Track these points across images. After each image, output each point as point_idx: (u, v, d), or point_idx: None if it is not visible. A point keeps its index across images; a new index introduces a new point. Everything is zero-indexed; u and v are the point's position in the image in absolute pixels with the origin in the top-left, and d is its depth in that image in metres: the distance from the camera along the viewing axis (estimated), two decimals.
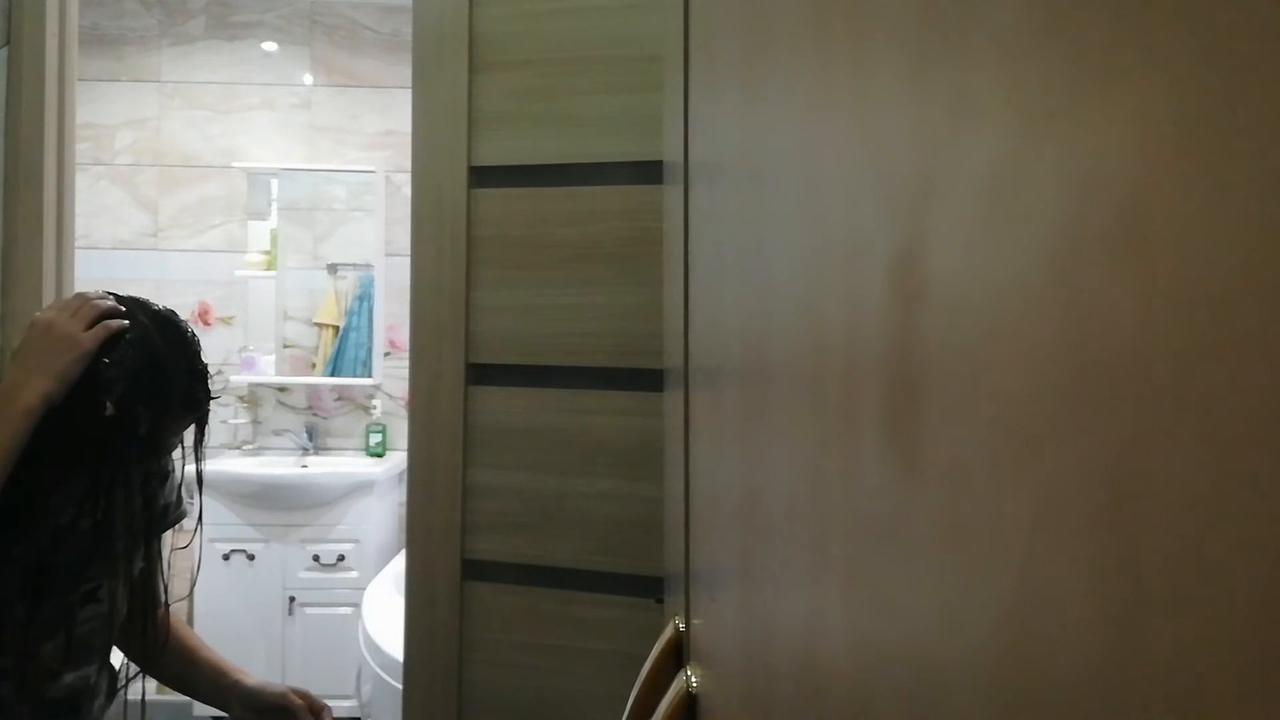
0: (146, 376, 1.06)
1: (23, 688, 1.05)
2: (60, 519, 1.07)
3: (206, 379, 1.14)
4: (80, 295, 1.08)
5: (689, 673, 0.55)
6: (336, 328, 3.55)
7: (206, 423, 1.16)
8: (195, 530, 1.20)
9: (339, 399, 3.58)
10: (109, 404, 1.03)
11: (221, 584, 3.05)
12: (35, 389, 0.98)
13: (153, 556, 1.20)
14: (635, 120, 1.22)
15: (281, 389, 3.57)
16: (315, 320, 3.57)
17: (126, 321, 1.07)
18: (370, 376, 3.49)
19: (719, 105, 0.50)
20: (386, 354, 3.54)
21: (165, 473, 1.20)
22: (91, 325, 1.04)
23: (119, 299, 1.11)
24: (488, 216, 1.27)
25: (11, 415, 0.97)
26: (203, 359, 1.14)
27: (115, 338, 1.05)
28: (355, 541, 3.14)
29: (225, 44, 3.58)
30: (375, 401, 3.52)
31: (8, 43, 1.60)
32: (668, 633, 0.65)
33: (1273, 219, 0.09)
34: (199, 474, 1.17)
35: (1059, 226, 0.13)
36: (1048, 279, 0.13)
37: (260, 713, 1.21)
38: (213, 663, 1.26)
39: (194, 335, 1.14)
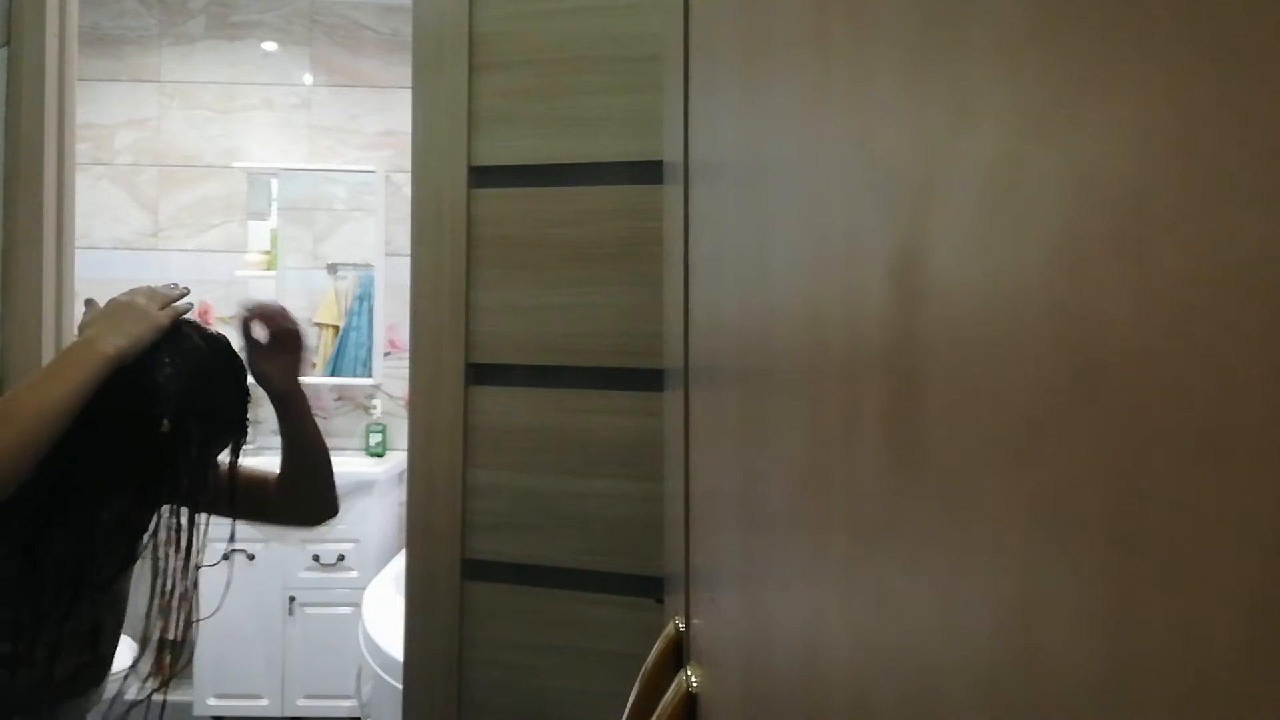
0: (200, 394, 1.10)
1: (49, 679, 1.07)
2: (106, 526, 1.11)
3: (248, 401, 1.17)
4: (150, 286, 1.13)
5: (689, 672, 0.55)
6: (336, 328, 3.54)
7: (244, 444, 1.19)
8: (228, 545, 1.22)
9: (339, 399, 3.58)
10: (165, 420, 1.06)
11: (221, 584, 3.05)
12: (110, 342, 1.02)
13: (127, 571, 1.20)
14: (635, 120, 1.22)
15: None
16: (315, 320, 3.57)
17: (192, 303, 1.12)
18: (370, 376, 3.49)
19: (719, 105, 0.50)
20: (386, 354, 3.54)
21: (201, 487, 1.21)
22: (166, 301, 1.09)
23: (195, 325, 1.15)
24: (488, 216, 1.27)
25: (87, 358, 1.00)
26: (244, 372, 1.17)
27: (177, 338, 1.09)
28: (355, 541, 3.14)
29: (225, 44, 3.58)
30: (375, 401, 3.52)
31: (8, 43, 1.60)
32: (668, 633, 0.65)
33: (1272, 218, 0.09)
34: (233, 493, 1.19)
35: (1058, 226, 0.13)
36: (1047, 278, 0.13)
37: (270, 366, 1.19)
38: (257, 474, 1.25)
39: (240, 358, 1.17)
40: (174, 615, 1.19)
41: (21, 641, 1.05)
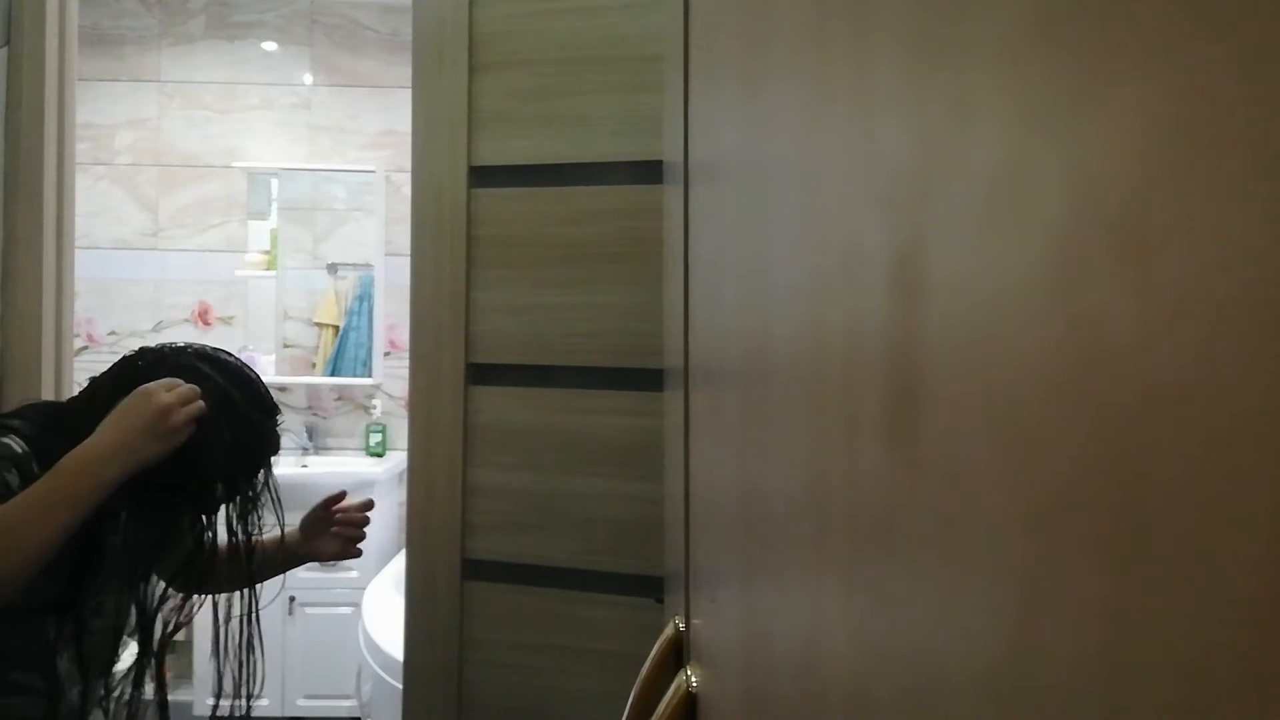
0: (244, 444, 1.13)
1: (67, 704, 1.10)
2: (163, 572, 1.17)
3: (278, 414, 1.20)
4: (192, 387, 1.07)
5: (689, 672, 0.55)
6: (336, 328, 3.54)
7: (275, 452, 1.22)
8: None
9: (339, 399, 3.58)
10: (219, 484, 1.12)
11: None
12: (121, 466, 1.00)
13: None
14: (635, 120, 1.22)
15: (281, 389, 3.56)
16: (315, 320, 3.56)
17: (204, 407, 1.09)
18: (370, 376, 3.49)
19: (719, 105, 0.50)
20: (386, 354, 3.54)
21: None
22: (189, 420, 1.06)
23: (193, 354, 1.14)
24: (488, 216, 1.27)
25: (91, 485, 0.98)
26: (268, 392, 1.19)
27: (212, 396, 1.09)
28: None
29: (225, 44, 3.58)
30: (375, 401, 3.52)
31: (8, 43, 1.60)
32: (668, 632, 0.65)
33: (1273, 218, 0.09)
34: (279, 500, 1.24)
35: (1059, 226, 0.13)
36: (1047, 279, 0.13)
37: (315, 534, 1.30)
38: (272, 542, 1.30)
39: (256, 375, 1.18)
40: (246, 657, 1.23)
41: (54, 678, 1.07)
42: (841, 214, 0.25)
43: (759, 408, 0.36)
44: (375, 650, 2.27)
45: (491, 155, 1.27)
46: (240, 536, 1.17)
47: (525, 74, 1.27)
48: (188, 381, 1.07)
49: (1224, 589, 0.09)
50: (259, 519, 1.20)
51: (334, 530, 1.32)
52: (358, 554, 1.33)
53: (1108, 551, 0.12)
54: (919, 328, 0.19)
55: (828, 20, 0.27)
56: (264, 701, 3.09)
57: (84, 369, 3.86)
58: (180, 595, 1.19)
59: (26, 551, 0.93)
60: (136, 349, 1.16)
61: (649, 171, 1.21)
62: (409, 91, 1.32)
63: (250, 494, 1.17)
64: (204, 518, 1.15)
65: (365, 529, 1.34)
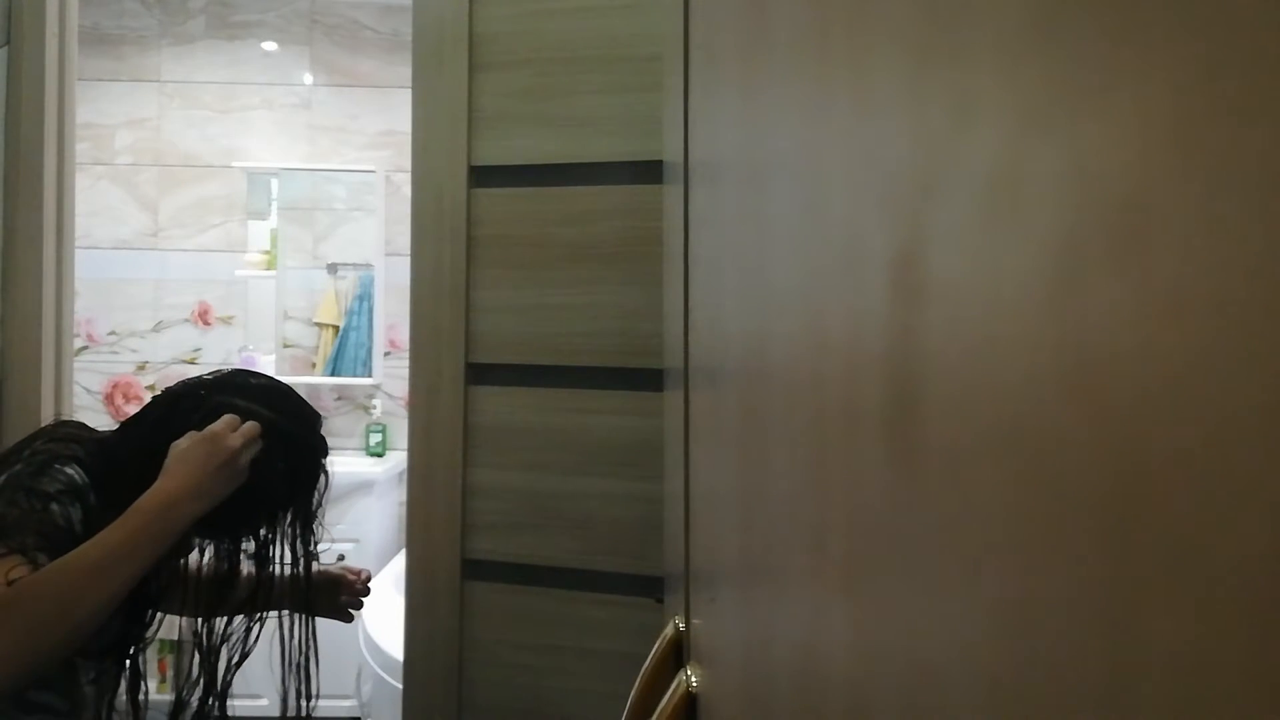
0: (302, 467, 1.15)
1: None
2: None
3: (321, 421, 1.21)
4: (253, 424, 1.09)
5: (689, 672, 0.55)
6: (336, 327, 3.54)
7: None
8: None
9: (339, 399, 3.58)
10: (285, 514, 1.15)
11: None
12: (197, 508, 1.02)
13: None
14: (635, 120, 1.22)
15: None
16: (315, 320, 3.56)
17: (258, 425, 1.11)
18: (370, 376, 3.49)
19: (719, 105, 0.50)
20: (386, 354, 3.54)
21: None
22: (250, 460, 1.09)
23: (227, 388, 1.14)
24: (488, 216, 1.27)
25: (168, 529, 1.00)
26: (306, 403, 1.20)
27: (266, 434, 1.11)
28: (355, 541, 3.14)
29: (225, 44, 3.58)
30: (375, 401, 3.52)
31: (8, 43, 1.60)
32: (668, 632, 0.65)
33: (1272, 219, 0.09)
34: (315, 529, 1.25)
35: (1059, 227, 0.13)
36: (1047, 280, 0.13)
37: (321, 591, 1.29)
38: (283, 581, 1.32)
39: (289, 387, 1.20)
40: (307, 672, 1.23)
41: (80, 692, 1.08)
42: (841, 214, 0.25)
43: (759, 408, 0.36)
44: (375, 650, 2.27)
45: (491, 155, 1.27)
46: (301, 556, 1.19)
47: (525, 74, 1.26)
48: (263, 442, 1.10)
49: (1225, 589, 0.09)
50: (317, 534, 1.21)
51: (344, 599, 1.33)
52: (350, 619, 1.35)
53: (1108, 553, 0.12)
54: (918, 328, 0.19)
55: (828, 20, 0.27)
56: (263, 701, 3.10)
57: (84, 369, 3.85)
58: (243, 629, 1.20)
59: (116, 592, 0.95)
60: (163, 391, 1.17)
61: (649, 171, 1.21)
62: (409, 91, 1.32)
63: (310, 510, 1.19)
64: (265, 541, 1.17)
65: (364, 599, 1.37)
